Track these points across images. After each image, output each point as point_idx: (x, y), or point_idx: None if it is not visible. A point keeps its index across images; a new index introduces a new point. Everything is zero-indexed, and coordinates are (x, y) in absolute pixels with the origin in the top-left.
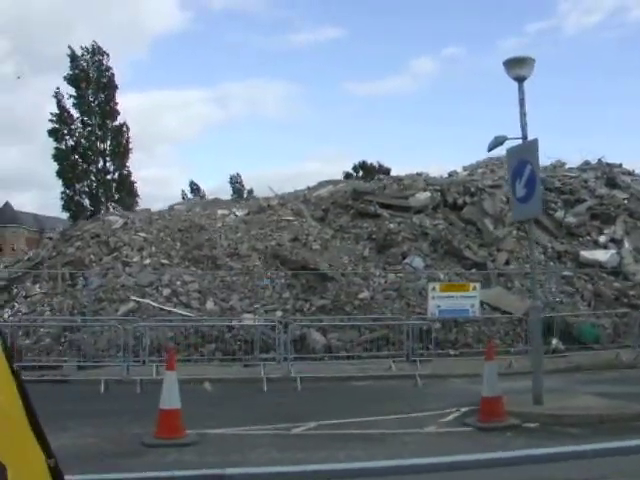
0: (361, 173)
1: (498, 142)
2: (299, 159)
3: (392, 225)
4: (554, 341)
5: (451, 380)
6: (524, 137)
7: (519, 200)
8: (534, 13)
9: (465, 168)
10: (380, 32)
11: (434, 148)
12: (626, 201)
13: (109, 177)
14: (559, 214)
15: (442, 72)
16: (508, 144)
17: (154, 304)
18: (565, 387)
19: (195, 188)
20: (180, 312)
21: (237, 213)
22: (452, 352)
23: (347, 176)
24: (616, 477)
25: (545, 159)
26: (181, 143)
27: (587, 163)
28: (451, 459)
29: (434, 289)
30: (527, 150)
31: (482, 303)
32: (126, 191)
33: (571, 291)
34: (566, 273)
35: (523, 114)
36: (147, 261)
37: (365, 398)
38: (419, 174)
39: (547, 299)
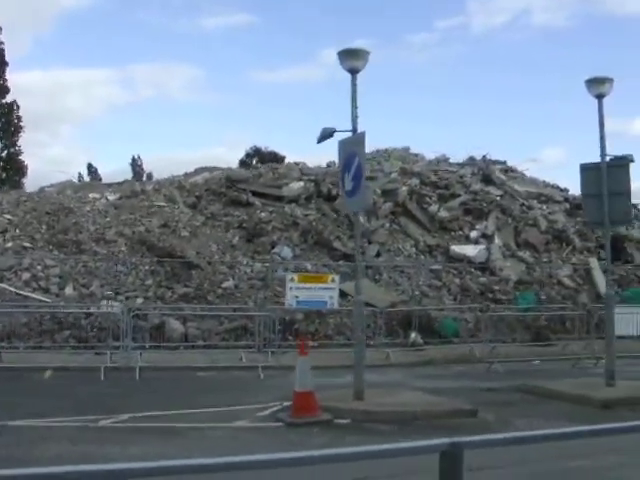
0: (255, 160)
1: (326, 134)
2: (204, 144)
3: (263, 214)
4: (413, 334)
5: None
6: (354, 129)
7: (347, 193)
8: (443, 10)
9: None
10: (291, 22)
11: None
12: (499, 198)
13: None
14: (433, 208)
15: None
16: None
17: (10, 288)
18: (403, 381)
19: (93, 170)
20: (37, 297)
21: (109, 197)
22: (311, 344)
23: (242, 163)
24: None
25: (430, 153)
26: (85, 123)
27: (472, 159)
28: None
29: (292, 280)
30: (355, 143)
31: (346, 295)
32: (14, 170)
33: (438, 285)
34: (435, 267)
35: (354, 106)
36: (9, 244)
37: (200, 389)
38: (297, 163)
39: (412, 293)
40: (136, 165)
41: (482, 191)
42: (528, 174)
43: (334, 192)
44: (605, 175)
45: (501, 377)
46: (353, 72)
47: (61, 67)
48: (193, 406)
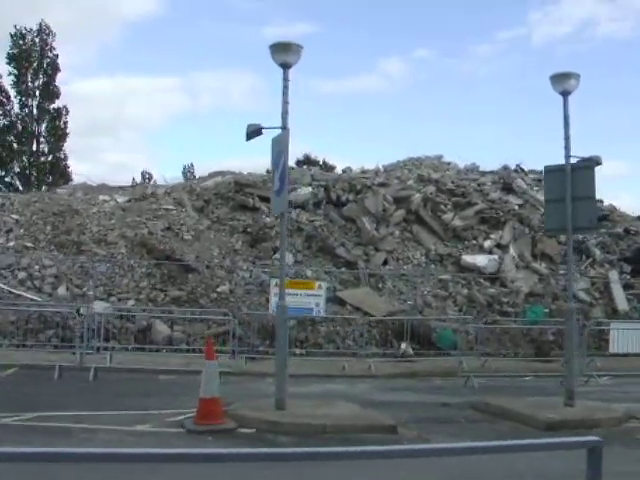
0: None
1: (251, 131)
2: (262, 152)
3: (268, 219)
4: (403, 345)
5: (265, 380)
6: (284, 126)
7: (275, 193)
8: (505, 22)
9: (385, 167)
10: (352, 30)
11: (394, 147)
12: (518, 207)
13: (43, 159)
14: (447, 216)
15: (412, 74)
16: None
17: (2, 286)
18: (361, 393)
19: (147, 177)
20: (28, 296)
21: (118, 199)
22: (298, 351)
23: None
24: None
25: (460, 162)
26: (147, 130)
27: (505, 168)
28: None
29: (277, 285)
30: (281, 141)
31: (345, 303)
32: (59, 174)
33: (444, 295)
34: (443, 277)
35: (285, 102)
36: (11, 243)
37: (142, 392)
38: (310, 168)
39: (415, 302)
40: (188, 172)
41: (500, 200)
42: None
43: (343, 198)
44: (569, 178)
45: (471, 393)
46: (285, 67)
47: (126, 75)
48: (114, 408)
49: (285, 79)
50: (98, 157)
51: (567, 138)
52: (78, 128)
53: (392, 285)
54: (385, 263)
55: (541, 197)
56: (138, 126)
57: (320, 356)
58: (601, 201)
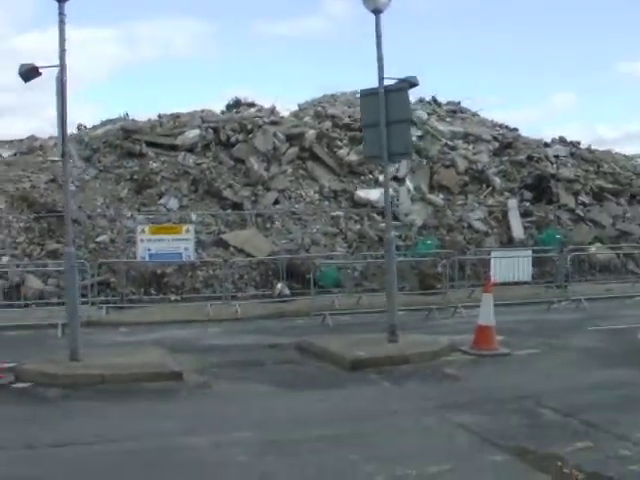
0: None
1: (23, 71)
2: (204, 100)
3: (155, 164)
4: (279, 285)
5: (118, 329)
6: (61, 65)
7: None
8: None
9: (300, 106)
10: None
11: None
12: (416, 138)
13: None
14: (343, 151)
15: (354, 14)
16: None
17: None
18: (200, 338)
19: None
20: None
21: (3, 154)
22: (173, 297)
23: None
24: None
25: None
26: (88, 83)
27: (421, 100)
28: None
29: (143, 232)
30: (57, 80)
31: (229, 246)
32: None
33: (335, 232)
34: (336, 213)
35: (63, 39)
36: None
37: None
38: (202, 111)
39: (302, 241)
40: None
41: None
42: (488, 115)
43: (233, 139)
44: (383, 101)
45: (322, 331)
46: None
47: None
48: None
49: (61, 13)
50: (37, 113)
51: (380, 59)
52: (17, 84)
53: (281, 225)
54: (276, 203)
55: (443, 128)
56: (78, 79)
57: (197, 301)
58: (515, 129)
